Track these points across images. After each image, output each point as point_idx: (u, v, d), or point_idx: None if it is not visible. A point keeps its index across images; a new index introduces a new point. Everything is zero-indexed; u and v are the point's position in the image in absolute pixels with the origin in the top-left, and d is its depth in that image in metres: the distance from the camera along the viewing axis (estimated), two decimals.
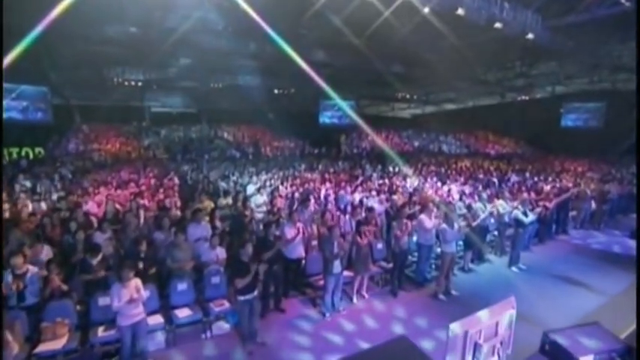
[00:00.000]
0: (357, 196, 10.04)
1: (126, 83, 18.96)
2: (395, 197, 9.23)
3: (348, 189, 10.21)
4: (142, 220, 8.00)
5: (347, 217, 7.99)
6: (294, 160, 19.83)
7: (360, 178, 13.14)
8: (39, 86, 19.51)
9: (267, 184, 11.68)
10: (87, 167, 16.77)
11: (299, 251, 6.97)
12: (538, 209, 8.70)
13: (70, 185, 12.62)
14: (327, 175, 13.42)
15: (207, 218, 7.54)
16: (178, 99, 27.47)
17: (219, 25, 15.36)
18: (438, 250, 7.86)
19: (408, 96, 25.95)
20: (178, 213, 8.48)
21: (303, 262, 7.10)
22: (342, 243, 6.40)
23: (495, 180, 12.93)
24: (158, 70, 19.42)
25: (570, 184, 11.87)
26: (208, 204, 8.75)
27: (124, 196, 10.03)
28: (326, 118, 24.87)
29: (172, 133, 27.07)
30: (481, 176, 13.80)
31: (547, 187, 11.31)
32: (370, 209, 7.93)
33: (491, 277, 8.26)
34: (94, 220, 7.87)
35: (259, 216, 9.71)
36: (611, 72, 23.35)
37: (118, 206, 8.92)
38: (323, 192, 10.68)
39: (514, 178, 13.96)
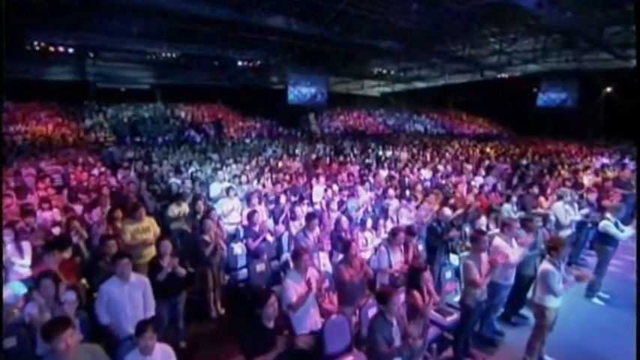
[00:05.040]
0: (366, 197, 6.76)
1: (51, 49, 14.13)
2: (429, 205, 6.02)
3: (359, 188, 6.82)
4: (24, 259, 4.30)
5: (378, 242, 4.72)
6: (265, 144, 16.13)
7: (355, 167, 9.81)
8: None
9: (237, 180, 8.06)
10: None
11: (312, 320, 3.65)
12: None
13: None
14: (318, 167, 9.85)
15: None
16: (127, 73, 22.49)
17: None
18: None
19: (384, 71, 22.70)
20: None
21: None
22: (406, 324, 3.13)
23: (527, 172, 9.94)
24: (95, 34, 14.70)
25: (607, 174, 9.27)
26: (149, 224, 5.06)
27: (16, 207, 6.03)
28: (296, 94, 21.12)
29: (121, 112, 22.27)
30: (497, 165, 10.84)
31: (585, 180, 8.59)
32: (411, 231, 4.70)
33: (576, 315, 5.36)
34: None
35: (230, 229, 6.28)
36: (584, 51, 21.42)
37: None
38: (317, 191, 7.30)
39: (532, 166, 11.21)
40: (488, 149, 15.64)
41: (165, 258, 4.01)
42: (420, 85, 30.33)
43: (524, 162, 11.98)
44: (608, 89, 23.04)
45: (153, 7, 12.88)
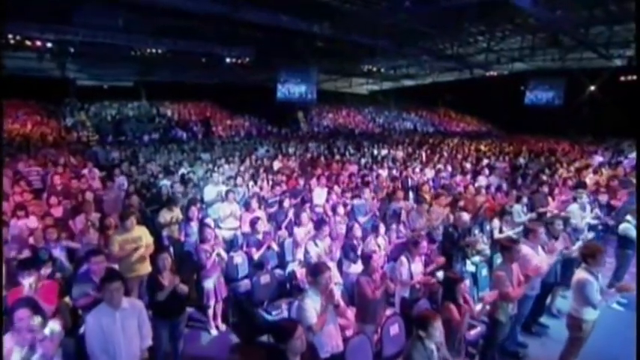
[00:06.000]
0: (372, 200, 6.33)
1: (28, 43, 13.21)
2: (439, 207, 5.60)
3: (366, 191, 6.30)
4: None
5: (390, 248, 4.29)
6: (255, 143, 15.54)
7: (353, 167, 9.37)
8: None
9: (232, 182, 7.50)
10: None
11: (334, 342, 3.19)
12: None
13: None
14: (317, 168, 9.29)
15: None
16: (110, 69, 21.41)
17: None
18: None
19: (375, 69, 22.28)
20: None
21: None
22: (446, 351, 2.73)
23: (527, 171, 9.62)
24: (75, 28, 13.75)
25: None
26: (141, 233, 4.51)
27: None
28: (284, 92, 20.51)
29: (104, 110, 21.29)
30: (498, 164, 10.50)
31: (587, 179, 8.33)
32: (431, 239, 4.31)
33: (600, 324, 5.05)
34: None
35: (227, 235, 5.75)
36: (569, 49, 21.49)
37: None
38: (318, 194, 6.84)
39: (531, 165, 10.94)
40: (482, 147, 15.44)
41: (164, 274, 3.52)
42: (408, 83, 30.13)
43: (521, 161, 11.73)
44: (592, 88, 23.24)
45: (138, 1, 12.12)
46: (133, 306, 2.95)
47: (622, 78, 20.32)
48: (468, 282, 4.69)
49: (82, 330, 3.69)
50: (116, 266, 4.30)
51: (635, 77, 19.41)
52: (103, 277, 2.92)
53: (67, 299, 3.94)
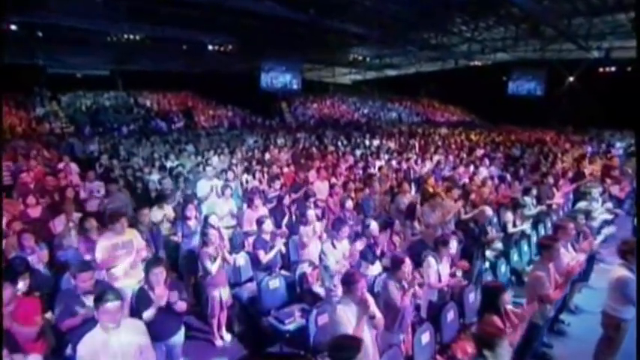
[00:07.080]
0: (378, 193, 5.93)
1: None
2: (451, 201, 5.21)
3: (375, 185, 5.84)
4: None
5: (418, 253, 3.90)
6: (243, 135, 14.89)
7: (350, 158, 8.94)
8: None
9: (225, 176, 6.89)
10: None
11: (370, 356, 2.77)
12: None
13: None
14: (313, 160, 8.72)
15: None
16: (84, 57, 19.98)
17: None
18: None
19: (360, 58, 21.81)
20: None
21: None
22: None
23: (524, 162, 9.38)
24: (43, 11, 12.58)
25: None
26: (132, 236, 3.92)
27: None
28: (268, 81, 19.78)
29: (78, 100, 19.99)
30: (497, 155, 10.24)
31: (588, 170, 8.20)
32: (460, 240, 3.97)
33: None
34: None
35: (225, 234, 5.22)
36: (551, 41, 21.63)
37: None
38: (319, 188, 6.37)
39: (524, 155, 10.77)
40: (473, 137, 15.29)
41: (157, 289, 2.97)
42: (391, 72, 29.81)
43: (515, 151, 11.56)
44: (571, 79, 23.58)
45: None
46: (133, 328, 2.45)
47: (601, 70, 20.62)
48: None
49: (68, 351, 3.19)
50: (104, 274, 3.78)
51: (614, 69, 19.71)
52: (96, 296, 2.38)
53: (49, 315, 3.38)
